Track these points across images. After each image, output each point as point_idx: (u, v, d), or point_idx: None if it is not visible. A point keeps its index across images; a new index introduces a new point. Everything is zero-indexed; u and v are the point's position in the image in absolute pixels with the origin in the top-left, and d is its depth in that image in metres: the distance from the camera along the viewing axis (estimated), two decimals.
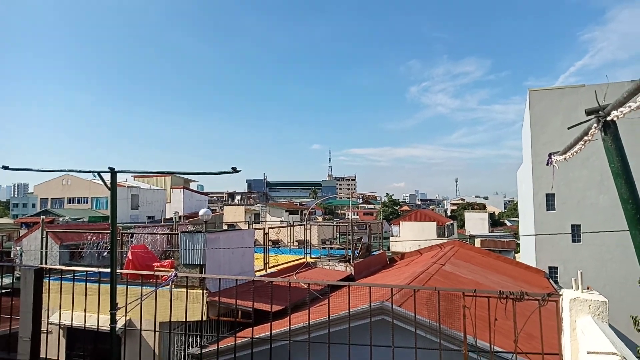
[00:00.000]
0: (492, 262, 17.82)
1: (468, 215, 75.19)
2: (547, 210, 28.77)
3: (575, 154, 3.89)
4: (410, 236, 47.34)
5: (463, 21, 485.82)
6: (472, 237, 52.12)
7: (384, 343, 5.25)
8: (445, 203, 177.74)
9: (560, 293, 4.35)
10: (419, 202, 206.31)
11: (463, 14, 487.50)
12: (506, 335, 5.79)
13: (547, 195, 28.72)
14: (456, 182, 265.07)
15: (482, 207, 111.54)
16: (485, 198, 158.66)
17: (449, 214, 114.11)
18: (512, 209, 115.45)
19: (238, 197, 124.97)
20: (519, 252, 41.15)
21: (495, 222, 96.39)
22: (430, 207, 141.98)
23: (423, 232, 47.67)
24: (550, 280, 17.36)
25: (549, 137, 27.92)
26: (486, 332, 5.31)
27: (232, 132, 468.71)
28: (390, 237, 50.28)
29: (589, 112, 3.09)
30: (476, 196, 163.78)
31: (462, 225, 76.25)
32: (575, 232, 27.92)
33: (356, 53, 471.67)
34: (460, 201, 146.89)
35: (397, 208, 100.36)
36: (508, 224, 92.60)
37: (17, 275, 13.48)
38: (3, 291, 7.30)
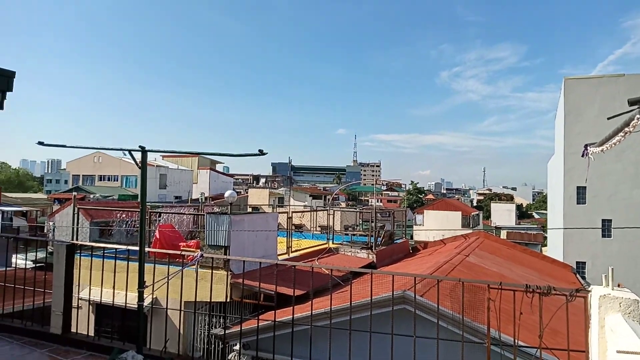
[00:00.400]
0: (518, 254, 17.51)
1: (495, 206, 73.96)
2: (578, 203, 27.98)
3: (613, 146, 3.73)
4: (434, 225, 46.91)
5: (499, 4, 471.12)
6: (498, 228, 51.29)
7: (405, 332, 5.23)
8: (471, 193, 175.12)
9: (589, 289, 4.23)
10: (445, 191, 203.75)
11: None
12: (530, 330, 5.69)
13: (578, 188, 27.91)
14: (484, 171, 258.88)
15: (509, 198, 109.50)
16: (514, 189, 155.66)
17: (474, 204, 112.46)
18: (540, 201, 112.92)
19: (263, 180, 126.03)
20: (546, 245, 40.28)
21: (522, 214, 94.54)
22: (456, 196, 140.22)
23: (447, 222, 47.14)
24: (578, 276, 16.97)
25: (584, 127, 26.99)
26: (510, 326, 5.23)
27: (257, 113, 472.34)
28: (414, 226, 49.95)
29: (632, 102, 2.94)
30: (504, 187, 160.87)
31: (488, 216, 75.11)
32: (606, 227, 27.11)
33: (387, 35, 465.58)
34: (487, 191, 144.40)
35: (421, 196, 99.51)
36: (536, 216, 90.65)
37: (50, 250, 14.00)
38: (37, 265, 7.60)
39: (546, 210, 48.03)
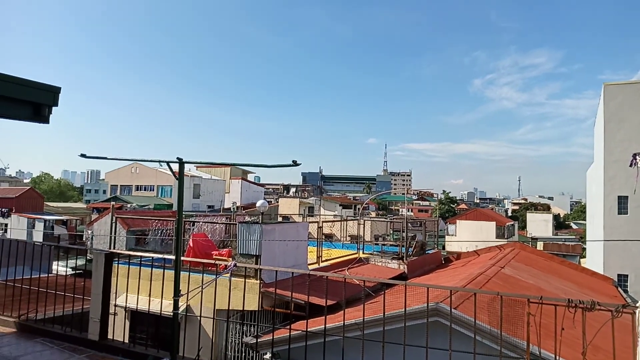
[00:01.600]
0: (556, 266, 16.89)
1: (530, 216, 71.62)
2: (619, 213, 26.75)
3: None
4: (467, 236, 45.87)
5: (534, 10, 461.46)
6: (535, 239, 49.71)
7: (437, 345, 5.11)
8: (505, 202, 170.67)
9: (638, 305, 4.02)
10: (478, 201, 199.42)
11: (535, 1, 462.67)
12: (570, 346, 5.45)
13: (619, 197, 26.71)
14: (519, 180, 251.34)
15: (546, 208, 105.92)
16: (550, 198, 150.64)
17: (509, 214, 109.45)
18: (579, 210, 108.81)
19: (293, 190, 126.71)
20: (584, 257, 38.70)
21: (560, 224, 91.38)
22: (490, 206, 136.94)
23: (481, 232, 45.99)
24: (619, 289, 16.18)
25: (626, 134, 25.87)
26: (550, 342, 5.03)
27: (287, 122, 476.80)
28: (446, 236, 49.01)
29: None
30: (540, 196, 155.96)
31: (523, 227, 72.85)
32: None
33: (419, 42, 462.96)
34: (523, 201, 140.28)
35: (453, 206, 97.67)
36: (574, 226, 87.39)
37: (88, 257, 14.45)
38: (76, 272, 7.86)
39: (585, 220, 46.20)
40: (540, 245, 40.86)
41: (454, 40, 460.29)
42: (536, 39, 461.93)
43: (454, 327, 6.25)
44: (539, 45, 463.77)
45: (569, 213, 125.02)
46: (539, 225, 65.73)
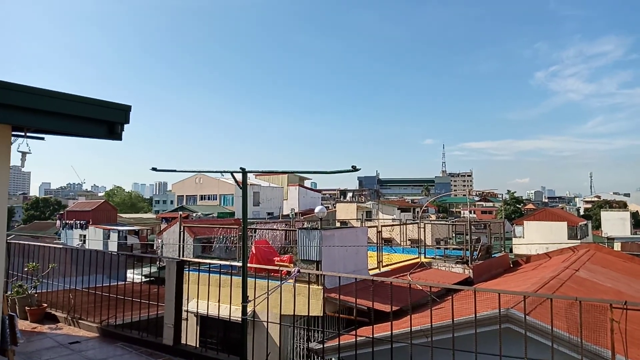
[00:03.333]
0: (637, 268, 15.63)
1: (605, 215, 66.75)
2: None
3: None
4: (536, 238, 43.55)
5: None
6: (611, 239, 46.24)
7: (508, 353, 4.88)
8: (577, 201, 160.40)
9: None
10: (546, 200, 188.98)
11: None
12: None
13: None
14: (590, 177, 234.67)
15: (622, 206, 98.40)
16: (627, 195, 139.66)
17: (581, 213, 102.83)
18: None
19: (350, 195, 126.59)
20: None
21: (638, 222, 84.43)
22: (560, 205, 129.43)
23: (551, 234, 43.47)
24: None
25: None
26: (637, 350, 4.66)
27: (343, 126, 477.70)
28: (513, 238, 46.79)
29: None
30: (615, 193, 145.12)
31: (597, 226, 68.13)
32: None
33: (474, 37, 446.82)
34: (596, 199, 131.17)
35: (520, 206, 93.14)
36: None
37: (159, 265, 15.22)
38: (148, 279, 8.32)
39: None
40: (617, 246, 37.97)
41: (512, 33, 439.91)
42: (602, 26, 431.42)
43: (529, 335, 5.95)
44: (605, 32, 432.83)
45: None
46: (615, 224, 61.11)
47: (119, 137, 5.06)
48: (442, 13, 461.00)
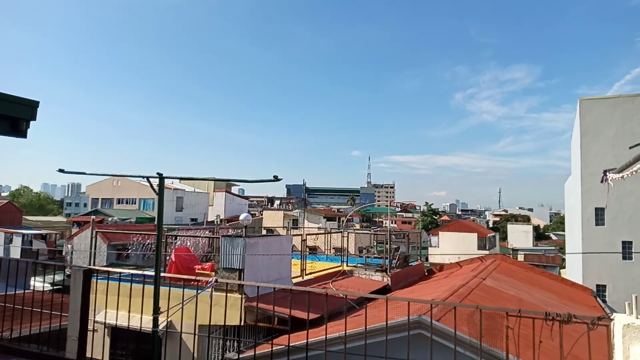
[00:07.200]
0: (536, 277, 17.13)
1: (511, 228, 72.58)
2: (596, 225, 27.36)
3: (634, 173, 3.67)
4: (449, 247, 46.25)
5: (513, 26, 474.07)
6: (515, 250, 50.33)
7: (420, 358, 5.15)
8: (487, 214, 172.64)
9: (612, 317, 4.12)
10: (460, 212, 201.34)
11: (514, 19, 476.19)
12: (550, 356, 5.54)
13: (596, 209, 27.33)
14: (499, 192, 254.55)
15: (526, 220, 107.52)
16: (530, 210, 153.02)
17: (490, 225, 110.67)
18: (558, 222, 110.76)
19: (277, 202, 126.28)
20: (564, 267, 39.33)
21: (539, 235, 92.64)
22: (471, 217, 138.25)
23: (463, 244, 46.43)
24: (598, 299, 16.48)
25: (601, 148, 26.61)
26: (529, 352, 5.10)
27: (272, 134, 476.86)
28: (429, 248, 49.30)
29: None
30: (520, 208, 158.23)
31: (504, 238, 73.73)
32: (627, 250, 26.40)
33: (401, 57, 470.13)
34: (503, 212, 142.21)
35: (436, 218, 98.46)
36: (554, 237, 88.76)
37: (68, 273, 14.15)
38: (55, 288, 7.69)
39: (564, 231, 47.06)
40: (521, 257, 41.40)
41: (436, 56, 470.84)
42: (515, 55, 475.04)
43: (438, 340, 6.30)
44: (518, 60, 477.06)
45: (548, 224, 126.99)
46: (520, 237, 66.62)
47: (23, 134, 4.67)
48: (371, 33, 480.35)
